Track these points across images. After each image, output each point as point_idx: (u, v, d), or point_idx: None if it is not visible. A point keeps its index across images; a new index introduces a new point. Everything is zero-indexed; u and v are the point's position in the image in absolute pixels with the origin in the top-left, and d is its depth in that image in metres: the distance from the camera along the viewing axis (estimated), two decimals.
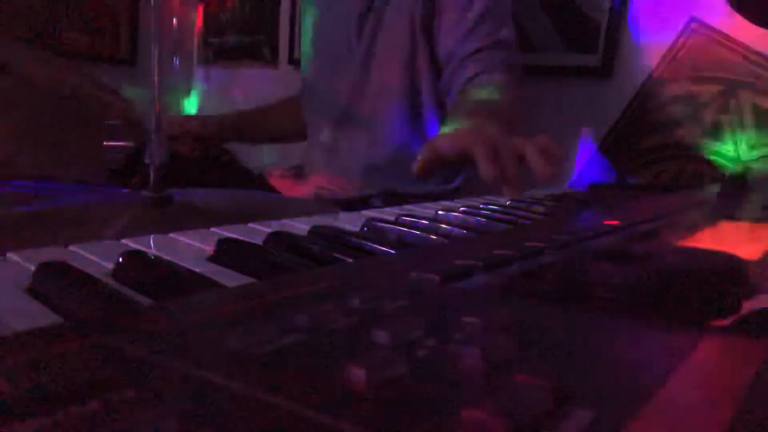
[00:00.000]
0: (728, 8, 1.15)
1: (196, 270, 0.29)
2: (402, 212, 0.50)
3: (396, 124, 1.10)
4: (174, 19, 2.06)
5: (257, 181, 1.25)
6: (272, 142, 1.48)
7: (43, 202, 0.69)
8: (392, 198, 1.03)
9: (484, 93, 0.96)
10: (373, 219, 0.44)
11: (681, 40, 1.21)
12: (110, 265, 0.29)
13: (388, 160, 1.09)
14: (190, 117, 1.32)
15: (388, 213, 0.51)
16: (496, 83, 0.98)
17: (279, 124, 1.37)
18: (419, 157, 0.70)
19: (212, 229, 0.39)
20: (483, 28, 1.01)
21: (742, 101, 1.16)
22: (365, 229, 0.44)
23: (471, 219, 0.48)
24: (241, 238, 0.36)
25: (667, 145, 1.25)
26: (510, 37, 1.03)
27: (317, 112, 1.21)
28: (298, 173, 1.26)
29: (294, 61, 1.90)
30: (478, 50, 1.00)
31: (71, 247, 0.32)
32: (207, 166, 1.22)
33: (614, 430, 0.12)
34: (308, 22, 1.24)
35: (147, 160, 0.63)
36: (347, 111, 1.13)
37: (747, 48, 1.14)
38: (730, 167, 1.16)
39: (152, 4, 0.64)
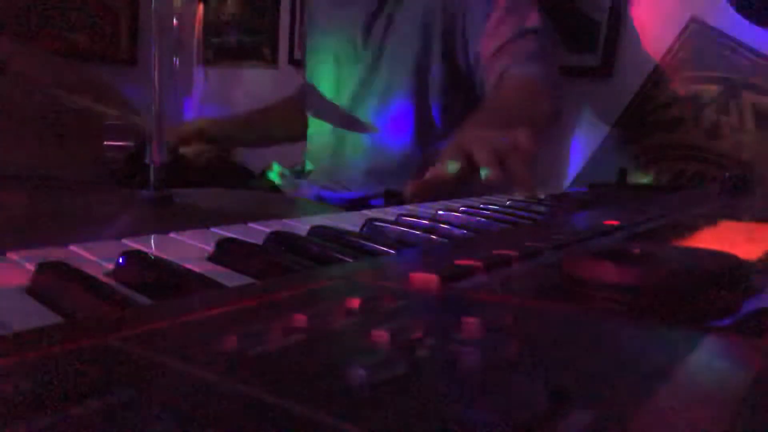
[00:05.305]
0: (728, 8, 1.15)
1: (196, 270, 0.29)
2: (402, 212, 0.50)
3: (403, 128, 1.09)
4: (174, 19, 2.06)
5: (257, 181, 1.25)
6: (274, 144, 1.46)
7: (43, 202, 0.69)
8: (393, 198, 1.03)
9: (512, 88, 0.95)
10: (373, 219, 0.44)
11: (681, 40, 1.21)
12: (110, 265, 0.29)
13: (393, 163, 1.08)
14: (197, 121, 1.30)
15: (388, 213, 0.51)
16: (526, 76, 0.96)
17: (281, 125, 1.36)
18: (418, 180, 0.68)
19: (212, 229, 0.39)
20: (509, 21, 1.00)
21: (742, 101, 1.16)
22: (365, 229, 0.43)
23: (471, 219, 0.48)
24: (241, 238, 0.36)
25: (667, 145, 1.24)
26: (537, 25, 1.01)
27: (321, 114, 1.20)
28: (300, 173, 1.26)
29: (294, 61, 1.90)
30: (506, 43, 0.99)
31: (71, 247, 0.32)
32: (207, 166, 1.22)
33: (614, 430, 0.12)
34: (315, 23, 1.23)
35: (147, 160, 0.63)
36: (353, 113, 1.13)
37: (747, 48, 1.14)
38: (730, 167, 1.16)
39: (152, 4, 0.64)
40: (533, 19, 1.01)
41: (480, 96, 1.05)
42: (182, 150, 1.16)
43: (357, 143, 1.13)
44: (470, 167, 0.66)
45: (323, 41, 1.19)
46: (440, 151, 0.73)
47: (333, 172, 1.16)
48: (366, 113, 1.12)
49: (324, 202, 1.09)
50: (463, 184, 0.69)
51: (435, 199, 0.64)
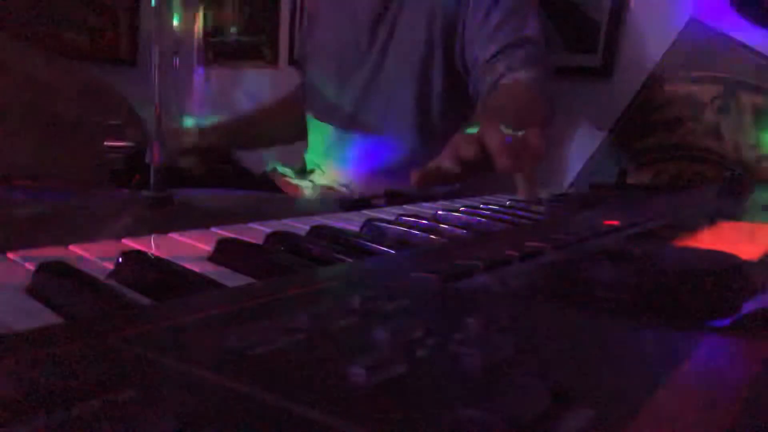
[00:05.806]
0: (728, 8, 1.15)
1: (196, 270, 0.29)
2: (402, 212, 0.50)
3: (404, 131, 1.09)
4: (174, 19, 2.06)
5: (257, 181, 1.25)
6: (273, 146, 1.45)
7: (43, 202, 0.69)
8: (394, 199, 1.03)
9: (509, 93, 0.94)
10: (373, 219, 0.44)
11: (681, 40, 1.21)
12: (110, 265, 0.29)
13: (395, 165, 1.08)
14: (188, 131, 1.28)
15: (388, 213, 0.51)
16: (522, 81, 0.96)
17: (279, 126, 1.35)
18: (421, 170, 0.69)
19: (212, 229, 0.39)
20: (507, 27, 0.99)
21: (742, 101, 1.16)
22: (365, 229, 0.44)
23: (471, 219, 0.48)
24: (241, 238, 0.36)
25: (667, 145, 1.25)
26: (536, 33, 1.01)
27: (322, 114, 1.20)
28: (300, 173, 1.26)
29: (294, 61, 1.90)
30: (503, 49, 0.98)
31: (71, 247, 0.32)
32: (208, 173, 1.22)
33: (614, 430, 0.12)
34: (314, 23, 1.23)
35: (147, 160, 0.63)
36: (354, 115, 1.13)
37: (747, 48, 1.14)
38: (730, 167, 1.16)
39: (152, 4, 0.64)
40: (532, 27, 1.01)
41: (474, 101, 1.05)
42: (182, 162, 1.16)
43: (359, 144, 1.13)
44: (483, 154, 0.66)
45: (326, 42, 1.19)
46: (449, 143, 0.72)
47: (334, 172, 1.16)
48: (368, 114, 1.12)
49: (325, 203, 1.09)
50: (471, 173, 0.69)
51: (441, 185, 0.64)
